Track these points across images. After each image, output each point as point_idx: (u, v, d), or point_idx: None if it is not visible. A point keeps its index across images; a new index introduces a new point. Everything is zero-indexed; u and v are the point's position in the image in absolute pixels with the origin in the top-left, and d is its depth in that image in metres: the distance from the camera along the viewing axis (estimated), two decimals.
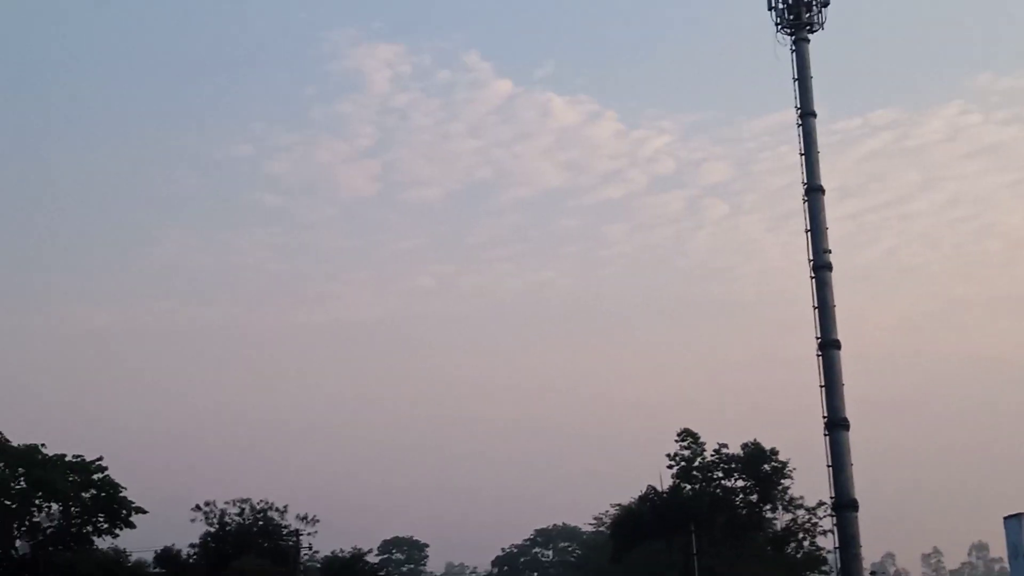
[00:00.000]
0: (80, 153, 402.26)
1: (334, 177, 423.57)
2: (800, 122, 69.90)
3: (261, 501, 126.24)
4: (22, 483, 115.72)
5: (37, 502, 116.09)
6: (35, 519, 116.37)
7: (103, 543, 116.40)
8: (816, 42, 70.67)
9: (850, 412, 62.01)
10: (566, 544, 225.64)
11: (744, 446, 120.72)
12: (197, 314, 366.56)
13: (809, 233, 67.22)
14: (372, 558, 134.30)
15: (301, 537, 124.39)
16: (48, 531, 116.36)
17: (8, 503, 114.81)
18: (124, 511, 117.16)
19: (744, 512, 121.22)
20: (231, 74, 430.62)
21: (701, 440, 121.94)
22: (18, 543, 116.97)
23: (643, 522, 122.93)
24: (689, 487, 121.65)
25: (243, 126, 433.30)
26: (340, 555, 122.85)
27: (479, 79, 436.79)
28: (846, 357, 63.80)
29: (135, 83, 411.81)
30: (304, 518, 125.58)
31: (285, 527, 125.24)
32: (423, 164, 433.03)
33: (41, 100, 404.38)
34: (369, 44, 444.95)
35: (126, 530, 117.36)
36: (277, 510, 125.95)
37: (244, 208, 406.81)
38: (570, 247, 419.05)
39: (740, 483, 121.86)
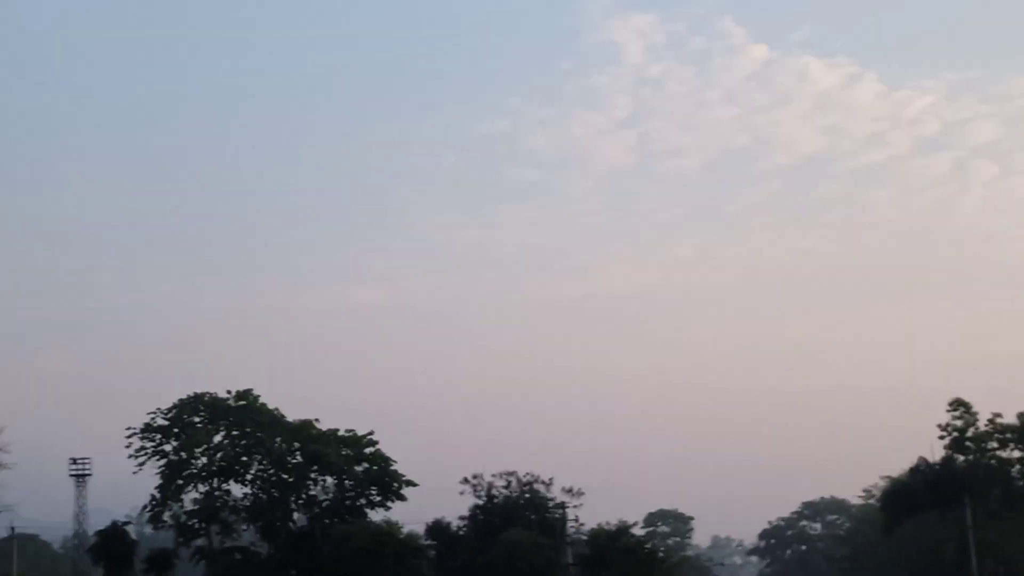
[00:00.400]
0: (345, 137, 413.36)
1: (590, 150, 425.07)
2: None
3: (527, 474, 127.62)
4: (298, 457, 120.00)
5: (312, 476, 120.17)
6: (311, 492, 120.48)
7: (376, 515, 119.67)
8: None
9: None
10: (834, 517, 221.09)
11: (1020, 415, 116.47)
12: (459, 289, 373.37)
13: None
14: (637, 531, 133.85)
15: (567, 510, 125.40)
16: (324, 504, 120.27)
17: (285, 477, 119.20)
18: (395, 484, 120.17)
19: (1022, 483, 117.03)
20: (487, 50, 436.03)
21: (974, 410, 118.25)
22: (296, 516, 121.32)
23: (915, 494, 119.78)
24: (962, 458, 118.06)
25: (500, 102, 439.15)
26: (606, 528, 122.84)
27: (734, 45, 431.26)
28: None
29: (394, 63, 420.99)
30: (569, 491, 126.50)
31: (551, 500, 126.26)
32: (679, 133, 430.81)
33: (303, 87, 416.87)
34: (623, 15, 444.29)
35: (397, 502, 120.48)
36: (543, 483, 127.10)
37: (503, 183, 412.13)
38: (831, 214, 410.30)
39: (1017, 453, 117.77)
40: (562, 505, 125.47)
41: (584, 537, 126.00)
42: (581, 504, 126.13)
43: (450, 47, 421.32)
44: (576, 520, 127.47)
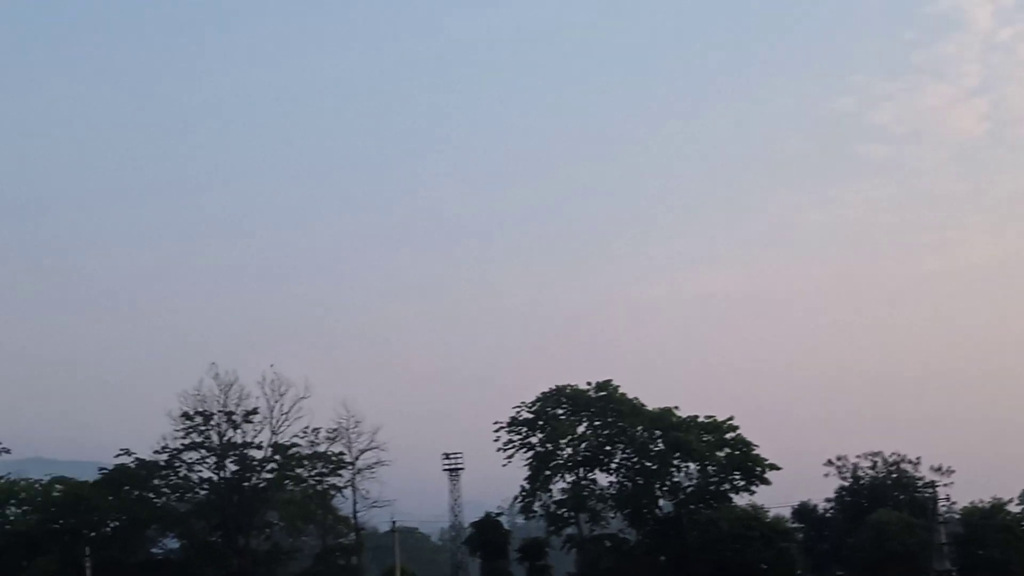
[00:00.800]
0: (688, 121, 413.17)
1: (941, 121, 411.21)
2: None
3: (893, 454, 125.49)
4: (660, 445, 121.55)
5: (675, 462, 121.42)
6: (675, 479, 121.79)
7: (740, 500, 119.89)
8: None
9: None
10: None
11: None
12: (810, 271, 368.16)
13: None
14: (1013, 508, 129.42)
15: (936, 488, 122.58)
16: (688, 490, 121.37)
17: (648, 464, 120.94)
18: (758, 468, 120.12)
19: None
20: (828, 28, 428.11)
21: None
22: (661, 502, 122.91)
23: None
24: None
25: (843, 79, 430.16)
26: (979, 506, 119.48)
27: None
28: None
29: (734, 45, 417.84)
30: (938, 469, 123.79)
31: (919, 479, 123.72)
32: None
33: (652, 76, 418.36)
34: None
35: (761, 486, 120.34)
36: (910, 462, 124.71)
37: (851, 161, 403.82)
38: None
39: None
40: (931, 484, 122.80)
41: (956, 516, 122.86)
42: (951, 482, 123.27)
43: (791, 27, 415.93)
44: (947, 499, 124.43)
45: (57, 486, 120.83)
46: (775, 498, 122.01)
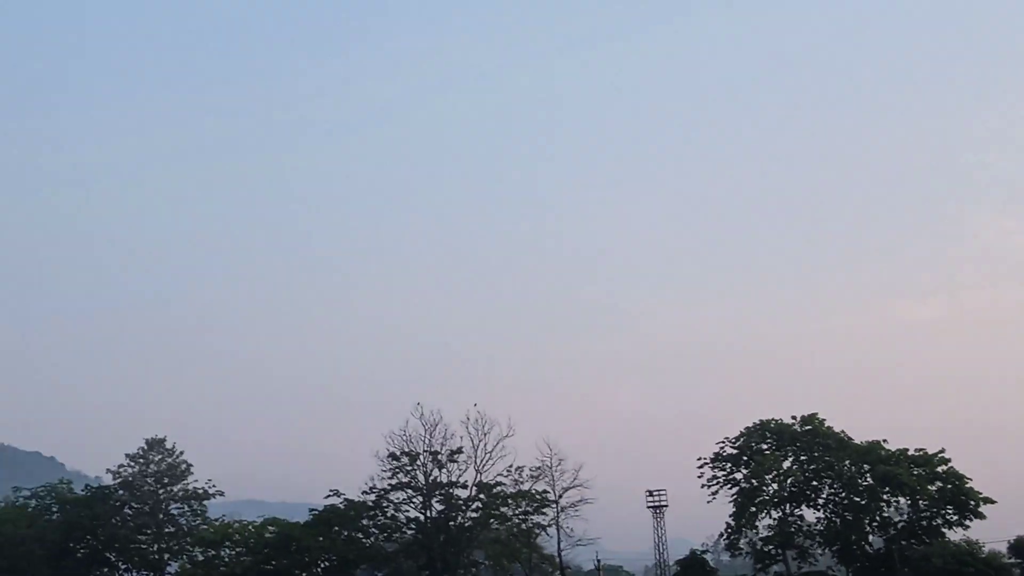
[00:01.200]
0: (886, 145, 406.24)
1: None
2: None
3: None
4: (868, 479, 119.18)
5: (885, 497, 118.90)
6: (884, 514, 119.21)
7: (953, 535, 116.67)
8: None
9: None
10: None
11: None
12: (1019, 295, 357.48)
13: None
14: None
15: None
16: (898, 525, 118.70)
17: (857, 499, 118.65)
18: (971, 502, 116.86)
19: None
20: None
21: None
22: (871, 538, 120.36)
23: None
24: None
25: None
26: None
27: None
28: None
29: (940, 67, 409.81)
30: None
31: None
32: None
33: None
34: None
35: (975, 520, 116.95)
36: None
37: None
38: None
39: None
40: None
41: None
42: None
43: (991, 44, 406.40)
44: None
45: (269, 527, 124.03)
46: (990, 532, 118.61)
